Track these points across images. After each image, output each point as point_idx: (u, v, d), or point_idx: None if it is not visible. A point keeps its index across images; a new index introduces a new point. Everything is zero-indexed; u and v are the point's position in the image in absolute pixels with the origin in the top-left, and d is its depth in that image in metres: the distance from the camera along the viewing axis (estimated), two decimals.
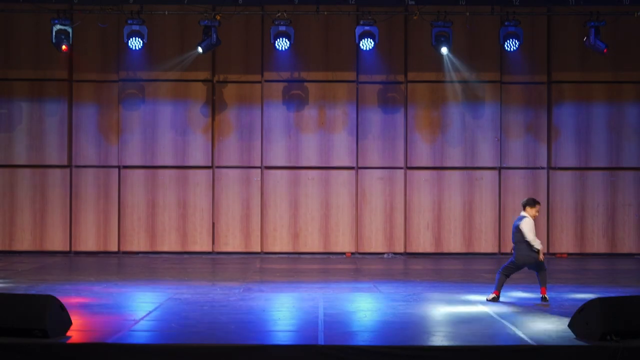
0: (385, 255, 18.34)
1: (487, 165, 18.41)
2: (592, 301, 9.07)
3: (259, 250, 18.38)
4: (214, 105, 18.41)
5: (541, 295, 11.64)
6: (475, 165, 18.39)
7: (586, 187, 18.44)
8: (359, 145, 18.41)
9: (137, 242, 18.36)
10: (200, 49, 17.05)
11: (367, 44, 16.96)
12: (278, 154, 18.41)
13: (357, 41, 17.06)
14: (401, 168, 18.44)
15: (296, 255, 18.28)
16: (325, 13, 17.43)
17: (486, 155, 18.40)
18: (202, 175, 18.40)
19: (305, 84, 18.42)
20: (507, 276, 11.74)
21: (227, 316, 10.63)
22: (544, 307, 11.31)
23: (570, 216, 18.42)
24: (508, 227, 18.12)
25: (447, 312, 10.94)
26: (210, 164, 18.42)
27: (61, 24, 16.78)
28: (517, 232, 11.59)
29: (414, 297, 12.31)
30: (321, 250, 18.38)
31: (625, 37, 18.10)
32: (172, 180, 18.38)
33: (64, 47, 16.86)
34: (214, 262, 17.52)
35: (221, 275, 15.49)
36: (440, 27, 16.99)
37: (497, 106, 18.36)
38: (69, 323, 9.19)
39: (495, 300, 11.57)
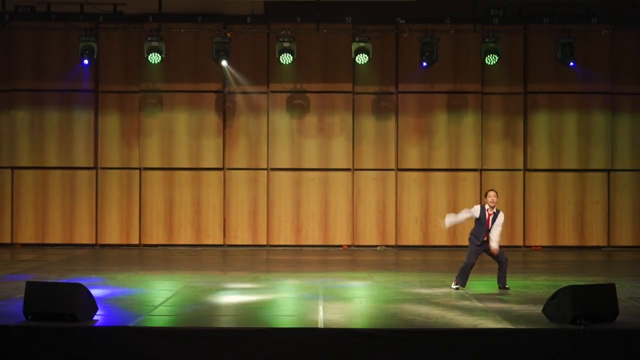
0: (379, 248, 18.34)
1: (469, 167, 18.40)
2: (563, 289, 9.08)
3: (265, 243, 18.38)
4: (225, 113, 18.41)
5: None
6: (459, 167, 18.39)
7: (558, 186, 18.44)
8: (355, 149, 18.41)
9: (156, 236, 18.36)
10: (224, 63, 17.11)
11: (362, 59, 16.96)
12: (282, 157, 18.41)
13: (353, 56, 17.06)
14: (392, 170, 18.44)
15: (298, 248, 18.28)
16: (325, 31, 17.44)
17: (469, 158, 18.39)
18: (214, 176, 18.40)
19: (307, 94, 18.42)
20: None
21: (236, 302, 10.64)
22: (520, 293, 11.31)
23: (544, 213, 18.41)
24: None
25: (433, 298, 10.94)
26: (221, 166, 18.42)
27: (87, 41, 16.81)
28: None
29: (405, 285, 12.31)
30: (321, 243, 18.38)
31: (593, 52, 18.10)
32: (188, 181, 18.38)
33: (85, 61, 16.95)
34: (225, 253, 17.53)
35: (231, 265, 15.49)
36: (427, 43, 17.00)
37: (479, 114, 18.36)
38: (95, 308, 9.21)
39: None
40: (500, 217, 11.71)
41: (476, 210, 11.73)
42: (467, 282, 11.87)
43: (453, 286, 11.81)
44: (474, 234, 11.74)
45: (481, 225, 11.68)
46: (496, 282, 11.85)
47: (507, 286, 11.70)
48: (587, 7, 17.02)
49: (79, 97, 18.26)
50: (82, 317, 8.87)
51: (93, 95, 18.34)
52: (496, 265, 11.93)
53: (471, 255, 11.76)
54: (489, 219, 11.66)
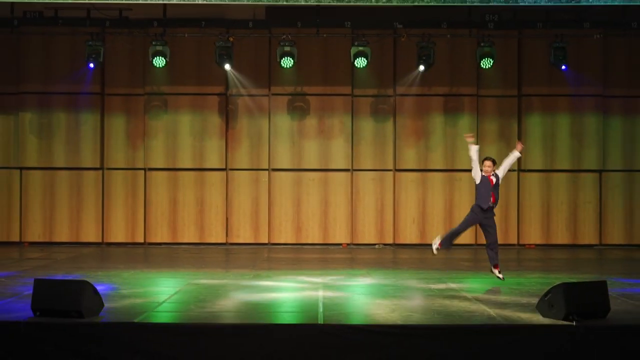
0: (377, 246, 18.33)
1: (465, 168, 18.32)
2: (556, 286, 9.07)
3: (266, 241, 18.38)
4: (228, 115, 18.41)
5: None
6: (455, 167, 18.39)
7: (551, 186, 18.44)
8: (354, 150, 18.41)
9: (161, 235, 18.36)
10: (227, 66, 17.15)
11: (360, 62, 16.97)
12: (283, 158, 18.41)
13: (352, 60, 17.07)
14: (390, 170, 18.44)
15: (299, 246, 18.28)
16: (325, 35, 17.45)
17: (464, 159, 18.28)
18: (217, 177, 18.40)
19: (307, 97, 18.42)
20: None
21: (238, 299, 10.63)
22: (514, 290, 11.30)
23: (537, 212, 18.42)
24: None
25: (430, 295, 10.94)
26: (224, 167, 18.42)
27: (94, 45, 16.81)
28: None
29: (402, 282, 12.31)
30: (321, 241, 18.38)
31: (586, 56, 18.11)
32: (191, 181, 18.38)
33: (92, 64, 16.96)
34: (228, 252, 17.52)
35: (234, 263, 15.49)
36: (424, 47, 17.01)
37: (474, 116, 18.36)
38: (101, 305, 9.21)
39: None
40: (500, 168, 11.91)
41: (477, 174, 11.80)
42: (463, 279, 11.86)
43: (434, 247, 11.90)
44: (478, 203, 11.80)
45: (485, 188, 11.76)
46: (490, 278, 11.84)
47: (501, 276, 11.70)
48: (579, 12, 17.01)
49: (85, 99, 18.25)
50: (89, 313, 8.87)
51: (99, 97, 18.34)
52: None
53: (466, 223, 11.91)
54: (491, 182, 11.74)
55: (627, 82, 18.34)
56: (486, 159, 12.02)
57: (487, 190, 11.76)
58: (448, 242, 11.95)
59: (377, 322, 9.03)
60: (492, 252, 11.81)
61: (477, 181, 11.87)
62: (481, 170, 11.87)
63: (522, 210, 18.38)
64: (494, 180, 11.81)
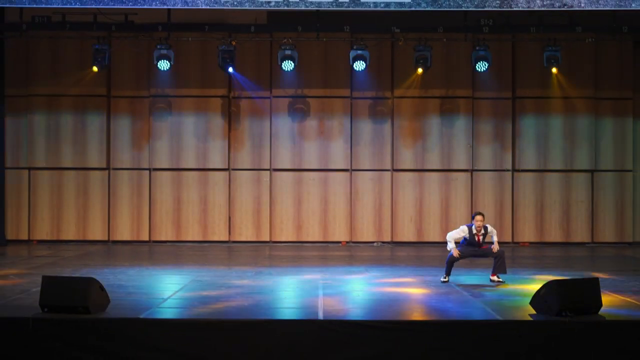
0: (375, 244, 18.32)
1: (461, 168, 18.38)
2: (550, 282, 9.07)
3: (268, 239, 18.36)
4: (230, 117, 18.39)
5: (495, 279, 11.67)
6: (451, 168, 18.36)
7: (545, 186, 18.43)
8: (353, 151, 18.39)
9: (165, 233, 18.35)
10: (230, 69, 17.14)
11: (359, 66, 16.93)
12: (284, 158, 18.39)
13: (350, 63, 17.03)
14: (388, 170, 18.43)
15: (299, 244, 18.26)
16: (324, 39, 17.41)
17: (460, 159, 18.37)
18: (220, 176, 18.38)
19: (307, 99, 18.41)
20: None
21: (240, 295, 10.62)
22: (509, 287, 11.28)
23: (531, 211, 18.40)
24: None
25: (427, 291, 10.92)
26: (227, 167, 18.40)
27: (100, 49, 16.78)
28: None
29: (400, 279, 12.29)
30: (320, 239, 18.36)
31: (578, 60, 18.09)
32: (195, 181, 18.36)
33: (98, 67, 16.92)
34: (230, 249, 17.51)
35: (236, 260, 15.48)
36: (421, 51, 16.98)
37: (470, 118, 18.34)
38: (108, 301, 9.21)
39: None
40: (493, 232, 11.66)
41: (465, 231, 11.56)
42: (459, 276, 11.81)
43: (442, 279, 11.77)
44: (461, 251, 11.58)
45: (471, 245, 11.55)
46: (486, 275, 11.76)
47: (501, 279, 11.57)
48: (571, 17, 16.98)
49: (92, 101, 18.25)
50: (95, 309, 8.87)
51: (105, 99, 18.32)
52: (487, 260, 11.90)
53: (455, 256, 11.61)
54: (479, 239, 11.55)
55: (617, 84, 18.32)
56: (477, 213, 11.65)
57: (473, 248, 11.53)
58: (448, 269, 11.76)
59: (375, 317, 9.02)
60: (499, 263, 11.52)
61: (467, 236, 11.54)
62: (471, 227, 11.55)
63: (516, 209, 18.36)
64: (482, 238, 11.56)
